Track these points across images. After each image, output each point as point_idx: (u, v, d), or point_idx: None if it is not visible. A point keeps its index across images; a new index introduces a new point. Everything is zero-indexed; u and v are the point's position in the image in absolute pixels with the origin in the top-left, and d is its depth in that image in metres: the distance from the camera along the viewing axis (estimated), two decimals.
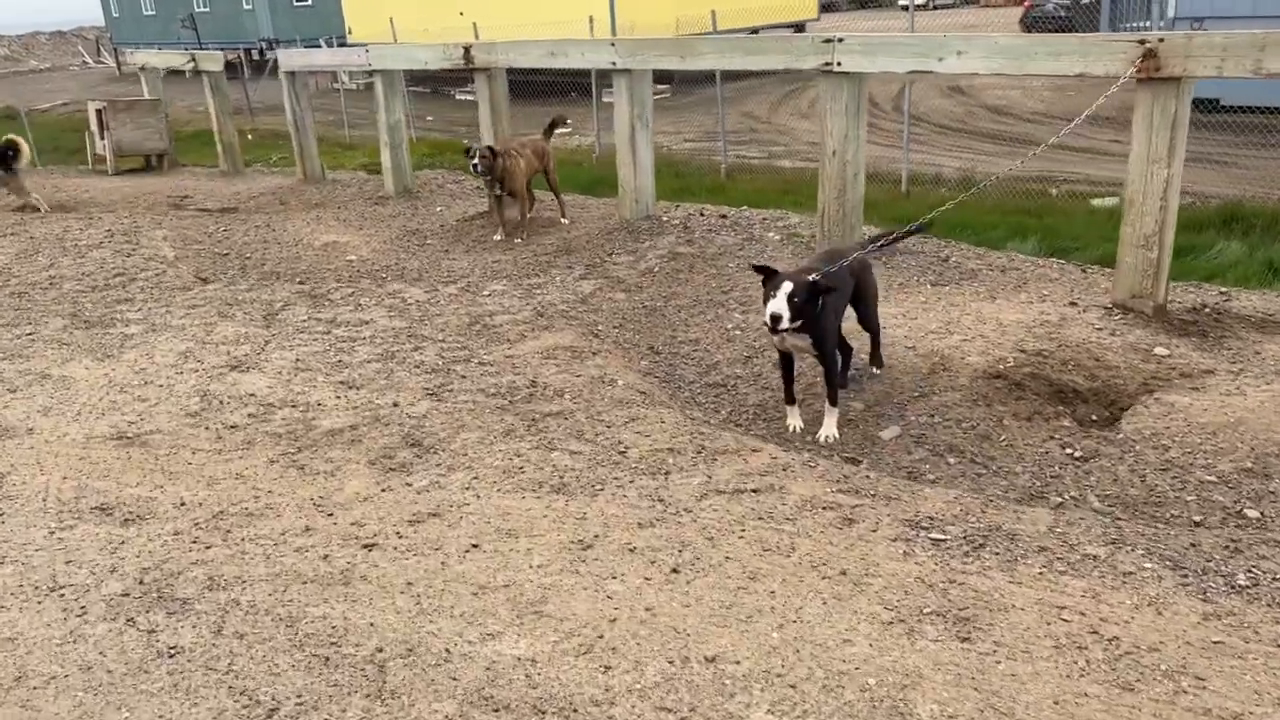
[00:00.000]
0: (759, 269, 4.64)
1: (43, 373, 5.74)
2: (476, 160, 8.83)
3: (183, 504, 4.07)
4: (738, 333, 6.27)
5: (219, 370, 5.68)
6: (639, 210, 8.73)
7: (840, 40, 6.80)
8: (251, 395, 5.28)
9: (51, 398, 5.31)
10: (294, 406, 5.11)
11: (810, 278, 4.54)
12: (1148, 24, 19.60)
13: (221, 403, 5.19)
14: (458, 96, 29.55)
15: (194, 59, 13.80)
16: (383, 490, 4.18)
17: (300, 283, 8.22)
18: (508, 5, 25.05)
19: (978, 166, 14.04)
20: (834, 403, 4.95)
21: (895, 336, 5.81)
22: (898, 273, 6.94)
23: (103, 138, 14.97)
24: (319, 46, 30.79)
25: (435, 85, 32.66)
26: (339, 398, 5.22)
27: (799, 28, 24.97)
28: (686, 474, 4.09)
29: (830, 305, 4.82)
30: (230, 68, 15.63)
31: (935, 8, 36.38)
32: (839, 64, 6.81)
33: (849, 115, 6.96)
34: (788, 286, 4.40)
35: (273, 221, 10.52)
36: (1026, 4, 24.45)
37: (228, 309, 7.03)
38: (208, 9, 41.42)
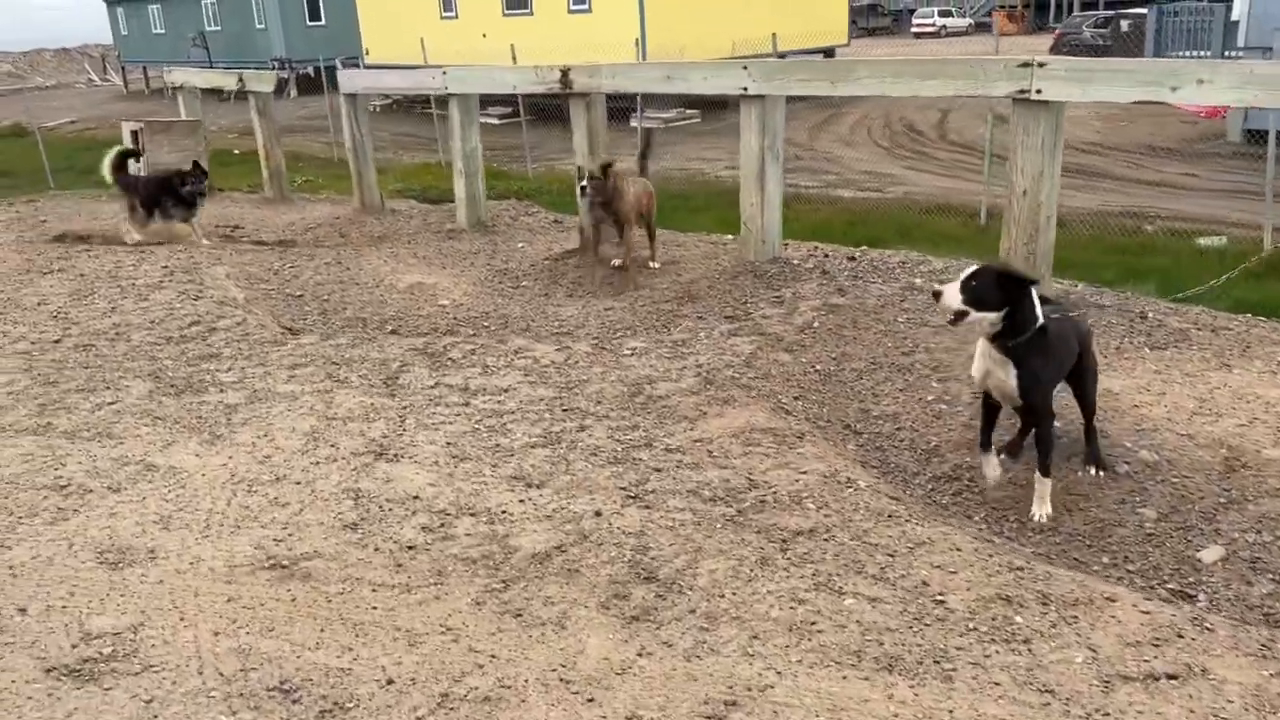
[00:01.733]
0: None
1: (143, 461, 4.61)
2: (585, 183, 7.78)
3: (389, 681, 2.97)
4: (943, 407, 5.22)
5: (362, 459, 4.57)
6: (765, 252, 7.68)
7: (1041, 64, 5.78)
8: (415, 498, 4.17)
9: (166, 500, 4.19)
10: (473, 515, 4.01)
11: (998, 266, 4.00)
12: (1198, 53, 18.77)
13: (381, 509, 4.08)
14: (479, 120, 28.46)
15: (241, 79, 12.67)
16: (638, 655, 3.09)
17: (392, 331, 7.15)
18: (541, 30, 24.03)
19: (1063, 202, 13.05)
20: (1045, 473, 4.12)
21: (1155, 418, 4.78)
22: (1102, 334, 5.90)
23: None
24: (334, 66, 29.67)
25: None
26: (522, 501, 4.13)
27: (828, 53, 24.04)
28: (1053, 642, 3.02)
29: (1051, 350, 4.03)
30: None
31: (947, 34, 35.63)
32: (1038, 91, 5.79)
33: (1045, 151, 5.93)
34: (968, 270, 3.87)
35: (342, 257, 9.40)
36: (1058, 32, 23.63)
37: (337, 370, 5.91)
38: (219, 27, 40.28)
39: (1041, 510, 4.15)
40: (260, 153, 12.97)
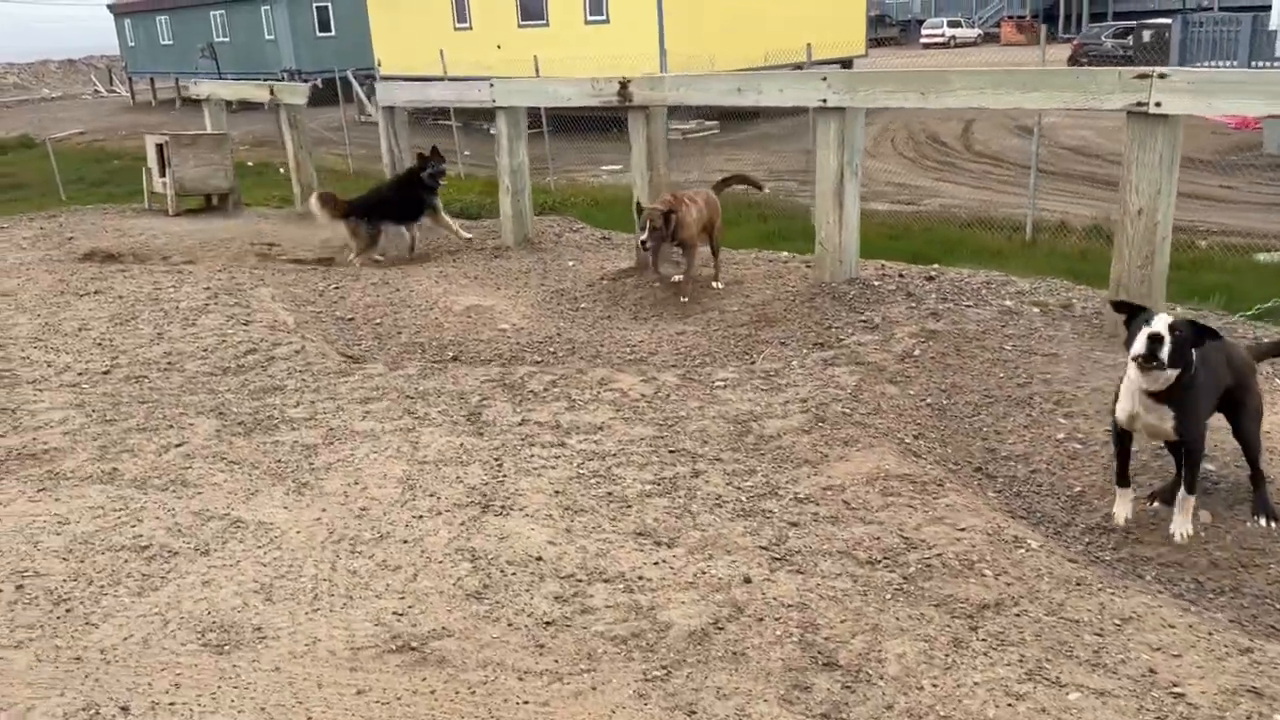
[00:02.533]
0: (1120, 306, 3.93)
1: (228, 515, 4.15)
2: (646, 235, 7.31)
3: None
4: (1077, 446, 4.77)
5: (467, 512, 4.11)
6: (841, 272, 7.24)
7: (1161, 75, 5.36)
8: (537, 559, 3.72)
9: (263, 565, 3.73)
10: (607, 581, 3.56)
11: (1190, 321, 3.66)
12: (1226, 63, 18.40)
13: (504, 573, 3.62)
14: (491, 131, 28.06)
15: (273, 91, 12.20)
16: None
17: (454, 357, 6.71)
18: (557, 41, 23.58)
19: (1106, 215, 12.64)
20: (1191, 489, 3.81)
21: None
22: None
23: (163, 175, 13.33)
24: (346, 78, 29.17)
25: (465, 119, 31.46)
26: (657, 564, 3.67)
27: (847, 64, 23.63)
28: None
29: (1203, 383, 3.71)
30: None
31: (956, 45, 35.26)
32: (1157, 104, 5.37)
33: (1163, 167, 5.52)
34: (1165, 318, 3.53)
35: (389, 277, 8.94)
36: (1076, 43, 23.24)
37: (413, 405, 5.46)
38: (228, 39, 39.81)
39: (1182, 529, 3.84)
40: (290, 166, 12.51)
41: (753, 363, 6.23)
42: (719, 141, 22.30)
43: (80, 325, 7.39)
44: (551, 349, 6.88)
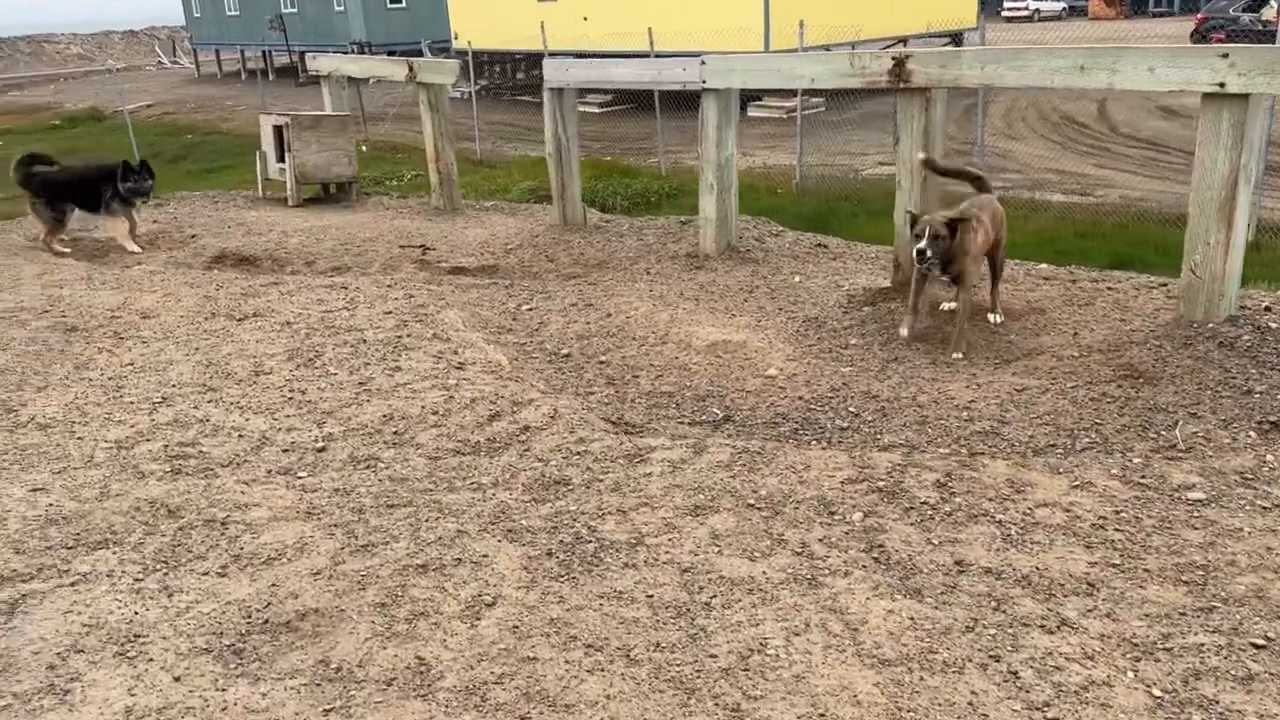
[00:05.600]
0: None
1: None
2: (925, 245, 5.52)
3: None
4: None
5: None
6: (1221, 309, 5.39)
7: None
8: None
9: None
10: None
11: None
12: None
13: None
14: (538, 102, 26.20)
15: (412, 68, 10.35)
16: None
17: (725, 418, 5.08)
18: (650, 11, 21.49)
19: None
20: None
21: None
22: None
23: (280, 160, 11.58)
24: (420, 50, 27.30)
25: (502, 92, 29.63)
26: None
27: (956, 38, 21.44)
28: None
29: None
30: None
31: (1040, 19, 32.78)
32: None
33: None
34: None
35: (588, 295, 7.17)
36: (1200, 17, 20.93)
37: (773, 525, 3.68)
38: (296, 10, 37.90)
39: None
40: (429, 154, 10.69)
41: (1172, 444, 4.43)
42: (829, 120, 20.27)
43: (254, 367, 5.67)
44: (851, 409, 5.11)
